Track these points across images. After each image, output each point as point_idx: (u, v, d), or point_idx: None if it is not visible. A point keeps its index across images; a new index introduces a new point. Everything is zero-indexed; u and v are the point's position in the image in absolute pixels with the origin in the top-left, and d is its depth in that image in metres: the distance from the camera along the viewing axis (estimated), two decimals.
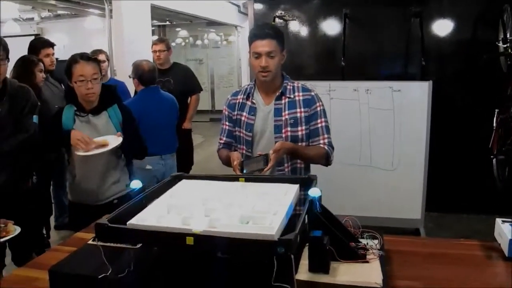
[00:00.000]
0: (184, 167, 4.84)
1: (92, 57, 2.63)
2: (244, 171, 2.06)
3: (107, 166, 2.66)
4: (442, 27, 4.58)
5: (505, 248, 1.72)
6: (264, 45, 2.25)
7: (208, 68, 13.79)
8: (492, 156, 4.30)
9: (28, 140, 2.67)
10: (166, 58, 4.95)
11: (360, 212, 4.09)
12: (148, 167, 3.72)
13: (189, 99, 5.15)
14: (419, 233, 4.07)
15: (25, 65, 3.63)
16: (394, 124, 4.02)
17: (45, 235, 4.05)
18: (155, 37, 11.72)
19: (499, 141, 4.23)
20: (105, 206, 2.61)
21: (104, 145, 2.50)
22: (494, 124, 4.26)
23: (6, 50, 2.65)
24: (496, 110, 4.23)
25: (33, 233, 2.87)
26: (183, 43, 13.52)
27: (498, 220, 1.85)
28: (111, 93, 2.77)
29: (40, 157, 3.03)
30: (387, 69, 4.71)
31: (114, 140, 2.53)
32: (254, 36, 2.28)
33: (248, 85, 2.44)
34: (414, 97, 3.97)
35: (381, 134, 4.05)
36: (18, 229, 2.04)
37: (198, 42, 13.77)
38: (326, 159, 2.35)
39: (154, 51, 4.94)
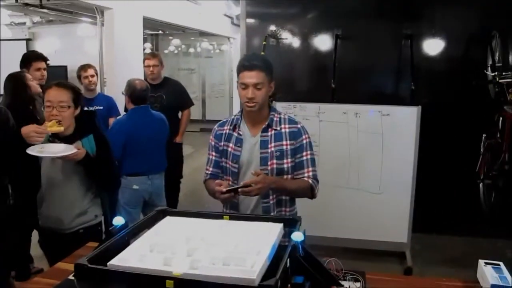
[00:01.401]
0: (173, 182, 4.85)
1: (68, 85, 2.55)
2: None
3: (72, 196, 2.60)
4: (433, 49, 4.61)
5: None
6: (251, 77, 2.25)
7: (200, 77, 13.78)
8: (478, 181, 4.33)
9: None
10: (158, 73, 4.94)
11: (347, 234, 4.15)
12: (135, 187, 3.71)
13: (179, 113, 5.15)
14: (405, 257, 4.08)
15: (16, 80, 3.57)
16: (382, 148, 4.03)
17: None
18: (148, 45, 11.82)
19: (486, 165, 4.27)
20: (71, 234, 2.58)
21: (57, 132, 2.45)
22: (482, 149, 4.29)
23: None
24: (484, 135, 4.26)
25: (12, 254, 2.85)
26: (175, 51, 13.50)
27: (481, 262, 1.85)
28: (89, 121, 2.69)
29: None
30: (377, 91, 4.72)
31: (69, 149, 2.43)
32: (242, 67, 2.28)
33: (235, 115, 2.44)
34: (403, 121, 3.98)
35: (369, 157, 4.06)
36: None
37: (191, 50, 13.76)
38: (310, 192, 2.35)
39: (147, 66, 4.91)
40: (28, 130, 2.37)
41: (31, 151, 2.36)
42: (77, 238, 2.37)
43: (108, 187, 2.86)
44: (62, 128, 2.45)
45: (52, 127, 2.41)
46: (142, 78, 4.58)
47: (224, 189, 2.16)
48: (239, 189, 2.14)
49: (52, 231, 2.63)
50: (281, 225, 1.78)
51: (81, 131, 2.60)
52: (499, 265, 1.81)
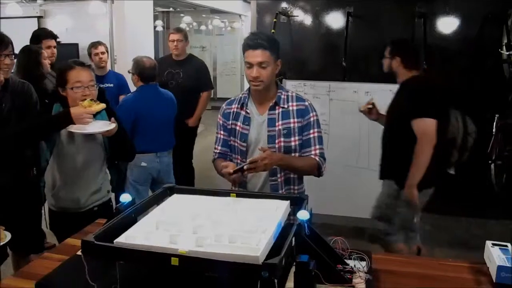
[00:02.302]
0: (185, 162, 4.86)
1: (86, 64, 2.58)
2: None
3: (90, 175, 2.61)
4: (447, 27, 4.51)
5: (493, 273, 1.71)
6: (256, 56, 2.23)
7: (211, 55, 13.70)
8: (490, 161, 4.28)
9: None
10: (183, 48, 4.90)
11: (356, 213, 4.14)
12: (143, 164, 3.73)
13: (199, 94, 5.03)
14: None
15: (30, 56, 3.58)
16: None
17: None
18: (159, 22, 11.74)
19: (498, 146, 4.21)
20: (85, 213, 2.60)
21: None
22: (494, 129, 4.24)
23: (12, 46, 2.68)
24: (496, 116, 4.20)
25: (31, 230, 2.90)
26: (187, 29, 13.41)
27: (488, 243, 1.83)
28: (100, 98, 2.65)
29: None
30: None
31: (107, 124, 2.48)
32: (246, 46, 2.26)
33: (243, 94, 2.43)
34: None
35: (379, 136, 4.02)
36: (8, 236, 2.03)
37: (202, 27, 13.67)
38: (317, 170, 2.34)
39: (172, 41, 4.86)
40: (79, 112, 2.38)
41: (76, 129, 2.40)
42: (91, 216, 2.38)
43: (125, 157, 2.94)
44: (103, 105, 2.47)
45: (91, 106, 2.42)
46: (153, 57, 4.56)
47: (231, 170, 2.16)
48: (245, 167, 2.14)
49: (66, 212, 2.64)
50: (287, 202, 1.78)
51: None
52: (506, 246, 1.80)
